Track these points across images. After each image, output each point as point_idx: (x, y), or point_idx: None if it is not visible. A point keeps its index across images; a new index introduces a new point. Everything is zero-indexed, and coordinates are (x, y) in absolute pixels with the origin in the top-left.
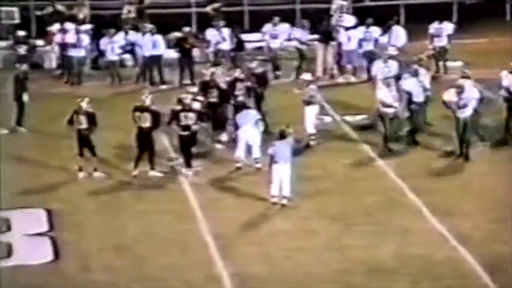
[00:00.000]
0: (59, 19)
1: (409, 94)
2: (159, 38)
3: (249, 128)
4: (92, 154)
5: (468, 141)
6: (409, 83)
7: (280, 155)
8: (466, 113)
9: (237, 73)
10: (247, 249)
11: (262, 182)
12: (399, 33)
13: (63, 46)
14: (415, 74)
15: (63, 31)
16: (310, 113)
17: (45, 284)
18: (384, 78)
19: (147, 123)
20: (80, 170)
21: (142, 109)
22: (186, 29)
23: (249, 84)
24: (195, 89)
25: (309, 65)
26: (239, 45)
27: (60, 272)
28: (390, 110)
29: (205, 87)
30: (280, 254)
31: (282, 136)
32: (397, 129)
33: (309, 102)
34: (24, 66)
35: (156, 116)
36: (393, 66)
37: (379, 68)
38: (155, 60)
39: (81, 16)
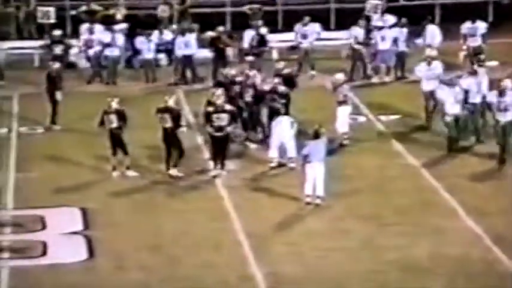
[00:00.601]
0: (93, 18)
1: (466, 93)
2: (191, 37)
3: (282, 128)
4: (124, 153)
5: (505, 146)
6: (466, 83)
7: (314, 154)
8: (507, 117)
9: (251, 73)
10: (281, 248)
11: (295, 181)
12: (435, 33)
13: (90, 46)
14: (474, 73)
15: (90, 31)
16: (344, 113)
17: (80, 282)
18: (447, 79)
19: (168, 124)
20: (114, 169)
21: (163, 110)
22: (220, 28)
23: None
24: (220, 91)
25: (342, 65)
26: (261, 43)
27: (95, 271)
28: (453, 110)
29: (223, 87)
30: (314, 253)
31: (316, 136)
32: (459, 129)
33: (342, 102)
34: (57, 65)
35: (175, 116)
36: (437, 68)
37: (423, 71)
38: (187, 60)
39: (119, 16)
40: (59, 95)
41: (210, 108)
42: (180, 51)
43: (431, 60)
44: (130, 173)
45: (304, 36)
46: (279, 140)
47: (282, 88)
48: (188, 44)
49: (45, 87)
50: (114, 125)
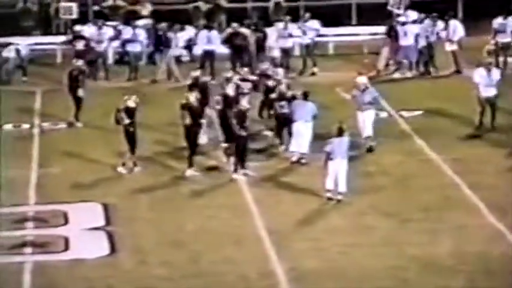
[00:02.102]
0: (118, 14)
1: None
2: (214, 33)
3: (303, 123)
4: (131, 150)
5: None
6: None
7: (337, 151)
8: None
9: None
10: (302, 244)
11: (317, 177)
12: (457, 28)
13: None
14: None
15: (99, 27)
16: (371, 116)
17: (102, 277)
18: None
19: (186, 120)
20: (123, 165)
21: (184, 106)
22: (235, 24)
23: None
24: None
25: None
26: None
27: (117, 266)
28: None
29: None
30: (336, 249)
31: (340, 133)
32: None
33: (368, 106)
34: (80, 62)
35: (195, 113)
36: (495, 73)
37: (482, 76)
38: (208, 55)
39: (144, 12)
40: (80, 92)
41: (243, 107)
42: (202, 47)
43: (491, 66)
44: (137, 169)
45: (304, 33)
46: (299, 135)
47: (289, 93)
48: (211, 40)
49: (66, 85)
50: (126, 121)
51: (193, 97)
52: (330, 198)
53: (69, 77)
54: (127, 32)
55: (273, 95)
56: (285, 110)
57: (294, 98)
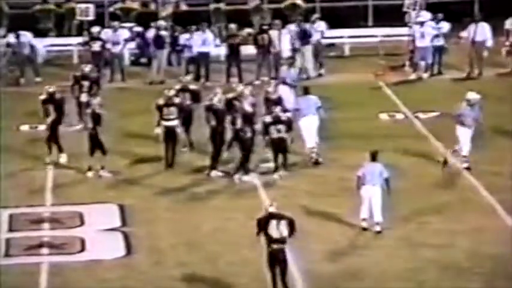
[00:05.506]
0: (130, 16)
1: None
2: (209, 35)
3: (310, 118)
4: (102, 153)
5: None
6: None
7: (368, 177)
8: None
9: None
10: (319, 246)
11: (332, 176)
12: (485, 30)
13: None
14: None
15: (114, 29)
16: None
17: (118, 278)
18: None
19: (212, 122)
20: (90, 169)
21: (209, 108)
22: (232, 25)
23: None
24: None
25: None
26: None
27: (133, 267)
28: None
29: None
30: (352, 251)
31: (373, 158)
32: None
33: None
34: (88, 68)
35: (218, 115)
36: None
37: None
38: (203, 57)
39: (163, 14)
40: (83, 97)
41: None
42: (196, 48)
43: None
44: (104, 173)
45: (311, 34)
46: (309, 131)
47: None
48: (206, 42)
49: (70, 89)
50: (90, 125)
51: (216, 98)
52: (365, 229)
53: (73, 80)
54: (147, 33)
55: (267, 119)
56: (278, 135)
57: (281, 120)
